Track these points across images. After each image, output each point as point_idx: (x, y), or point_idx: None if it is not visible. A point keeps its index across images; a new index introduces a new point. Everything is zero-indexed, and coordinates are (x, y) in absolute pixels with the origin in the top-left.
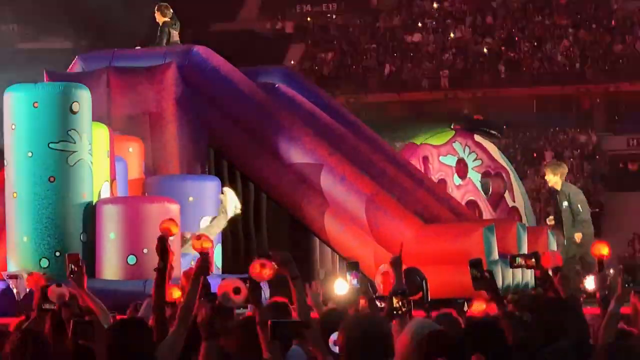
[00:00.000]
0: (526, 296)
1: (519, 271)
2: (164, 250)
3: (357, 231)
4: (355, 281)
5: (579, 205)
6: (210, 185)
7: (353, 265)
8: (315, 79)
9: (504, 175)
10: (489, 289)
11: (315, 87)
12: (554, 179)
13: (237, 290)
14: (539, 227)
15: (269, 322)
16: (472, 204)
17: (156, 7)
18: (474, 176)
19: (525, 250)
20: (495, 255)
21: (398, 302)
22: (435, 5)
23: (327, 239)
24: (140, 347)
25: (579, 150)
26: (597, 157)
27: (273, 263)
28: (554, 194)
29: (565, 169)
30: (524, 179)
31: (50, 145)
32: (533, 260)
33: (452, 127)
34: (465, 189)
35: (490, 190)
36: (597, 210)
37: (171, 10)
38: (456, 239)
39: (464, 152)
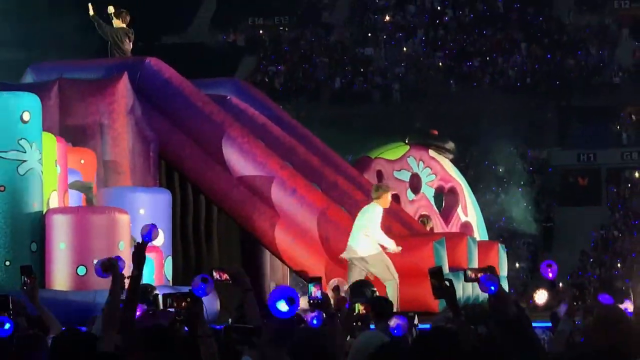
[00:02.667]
0: (480, 309)
1: (469, 284)
2: (141, 257)
3: (308, 244)
4: (319, 294)
5: None
6: (161, 198)
7: (317, 280)
8: (266, 91)
9: (457, 190)
10: (448, 297)
11: (266, 100)
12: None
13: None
14: (490, 242)
15: (225, 326)
16: (425, 219)
17: (114, 12)
18: (428, 191)
19: (475, 264)
20: (446, 269)
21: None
22: (387, 18)
23: (277, 252)
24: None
25: (529, 165)
26: (548, 171)
27: (224, 276)
28: None
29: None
30: (475, 193)
31: (0, 154)
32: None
33: (406, 141)
34: (419, 203)
35: (443, 205)
36: (548, 225)
37: (128, 19)
38: (407, 253)
39: (418, 167)
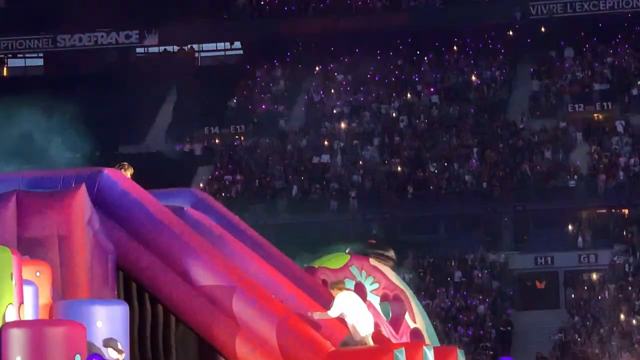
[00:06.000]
0: None
1: None
2: None
3: (268, 354)
4: None
5: None
6: (118, 310)
7: None
8: (223, 200)
9: (402, 297)
10: None
11: (223, 210)
12: None
13: None
14: (447, 347)
15: None
16: (375, 327)
17: (124, 167)
18: (373, 299)
19: None
20: None
21: None
22: (342, 125)
23: None
24: None
25: (487, 270)
26: (505, 275)
27: None
28: None
29: None
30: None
31: None
32: None
33: (347, 251)
34: None
35: (391, 313)
36: (507, 329)
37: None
38: None
39: (361, 275)
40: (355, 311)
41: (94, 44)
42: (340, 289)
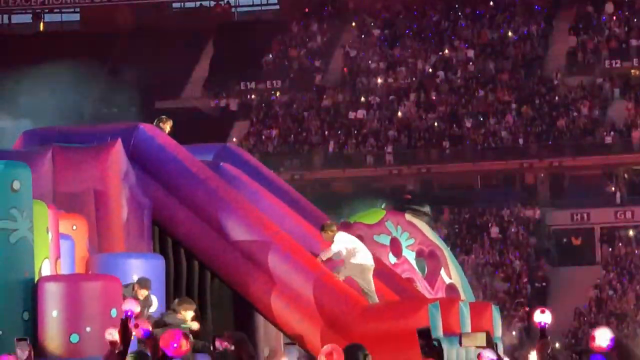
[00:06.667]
0: None
1: (463, 350)
2: (126, 332)
3: (303, 309)
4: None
5: None
6: (154, 264)
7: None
8: (259, 155)
9: (437, 253)
10: (436, 357)
11: (259, 165)
12: None
13: None
14: (482, 303)
15: None
16: (409, 282)
17: (163, 120)
18: (409, 254)
19: (469, 327)
20: (440, 332)
21: None
22: (379, 81)
23: (272, 317)
24: None
25: (523, 226)
26: (542, 232)
27: (225, 344)
28: None
29: None
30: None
31: None
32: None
33: (382, 207)
34: (402, 267)
35: (426, 269)
36: (542, 284)
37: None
38: (402, 317)
39: (397, 231)
40: (355, 245)
41: None
42: (333, 232)
